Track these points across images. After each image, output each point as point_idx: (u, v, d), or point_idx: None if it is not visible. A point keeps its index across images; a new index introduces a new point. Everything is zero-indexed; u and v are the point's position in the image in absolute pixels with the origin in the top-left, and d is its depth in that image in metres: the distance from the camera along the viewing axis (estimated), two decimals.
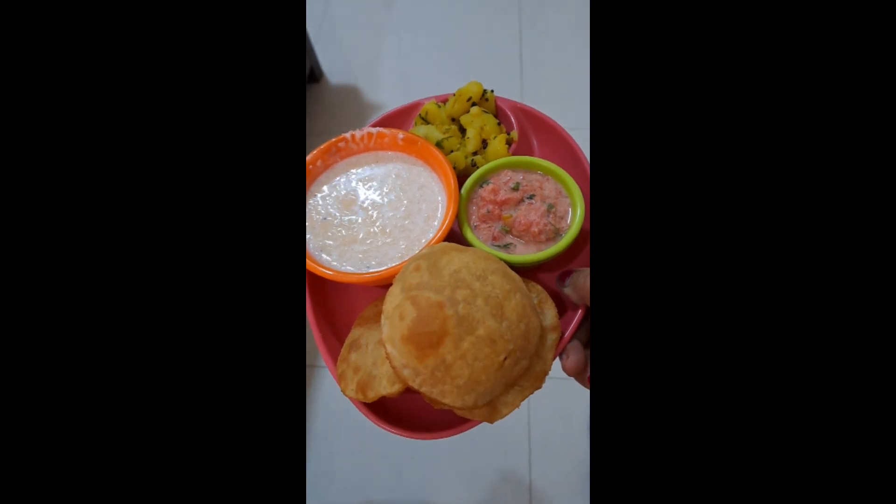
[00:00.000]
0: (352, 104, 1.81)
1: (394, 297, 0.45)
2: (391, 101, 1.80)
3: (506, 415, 0.46)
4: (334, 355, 0.54)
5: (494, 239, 0.55)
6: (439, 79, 1.84)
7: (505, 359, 0.43)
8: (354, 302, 0.59)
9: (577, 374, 0.49)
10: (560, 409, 1.27)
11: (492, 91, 0.66)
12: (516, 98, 0.68)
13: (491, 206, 0.55)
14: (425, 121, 0.65)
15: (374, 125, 0.66)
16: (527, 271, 0.57)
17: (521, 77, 1.80)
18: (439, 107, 0.65)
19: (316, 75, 1.77)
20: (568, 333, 0.51)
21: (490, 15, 1.97)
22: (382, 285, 0.55)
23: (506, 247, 0.55)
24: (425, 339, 0.42)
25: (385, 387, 0.45)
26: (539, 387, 0.48)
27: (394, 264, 0.53)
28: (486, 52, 1.89)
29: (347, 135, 0.60)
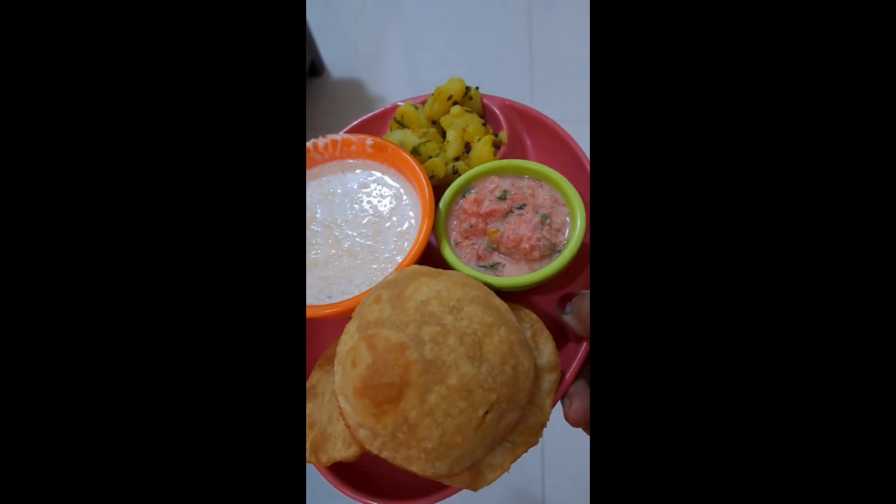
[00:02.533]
0: (355, 98, 1.75)
1: (349, 337, 0.37)
2: (395, 95, 1.71)
3: (493, 480, 0.37)
4: None
5: (479, 258, 0.46)
6: (445, 70, 1.76)
7: (486, 413, 0.34)
8: (319, 334, 0.51)
9: (583, 424, 0.39)
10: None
11: (476, 88, 0.58)
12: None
13: (474, 220, 0.47)
14: (401, 124, 0.57)
15: (348, 132, 0.58)
16: (519, 296, 0.48)
17: (531, 65, 1.71)
18: (417, 108, 0.57)
19: (318, 69, 1.72)
20: (570, 373, 0.41)
21: (498, 3, 1.91)
22: (341, 316, 0.47)
23: (493, 267, 0.46)
24: (382, 392, 0.33)
25: (339, 450, 0.36)
26: (535, 442, 0.38)
27: (360, 292, 0.44)
28: (494, 41, 1.81)
29: (309, 143, 0.52)
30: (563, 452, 1.17)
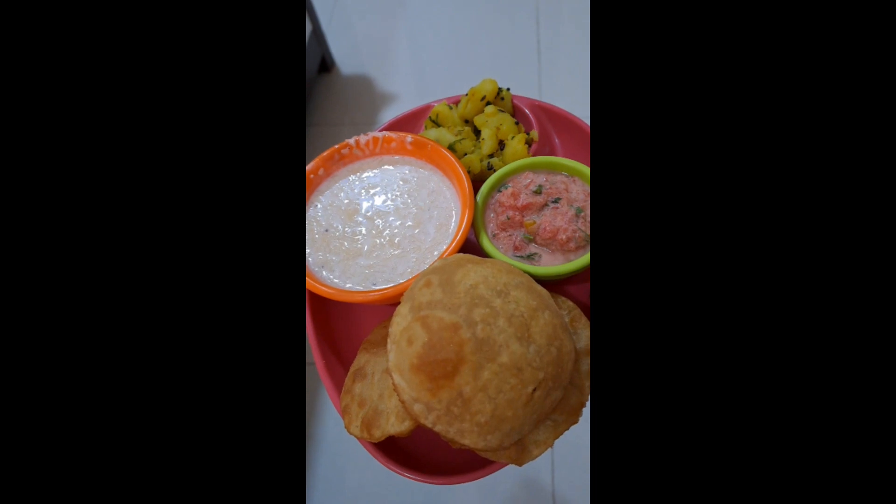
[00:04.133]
0: (363, 94, 1.80)
1: (401, 318, 0.39)
2: (404, 91, 1.78)
3: (537, 455, 0.39)
4: (339, 385, 0.48)
5: (516, 249, 0.48)
6: (453, 67, 1.81)
7: (534, 390, 0.36)
8: (361, 323, 0.53)
9: None
10: (584, 410, 1.15)
11: (508, 89, 0.60)
12: (534, 88, 0.63)
13: (511, 212, 0.49)
14: (436, 123, 0.60)
15: (382, 130, 0.60)
16: (555, 284, 0.50)
17: (539, 65, 1.75)
18: (451, 108, 0.60)
19: (327, 65, 1.78)
20: None
21: (505, 2, 1.95)
22: (392, 304, 0.49)
23: (529, 257, 0.48)
24: (438, 368, 0.35)
25: (393, 424, 0.39)
26: (575, 421, 0.40)
27: (403, 280, 0.47)
28: (501, 38, 1.86)
29: (351, 140, 0.55)
30: (572, 444, 1.19)
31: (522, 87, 0.63)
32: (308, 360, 1.23)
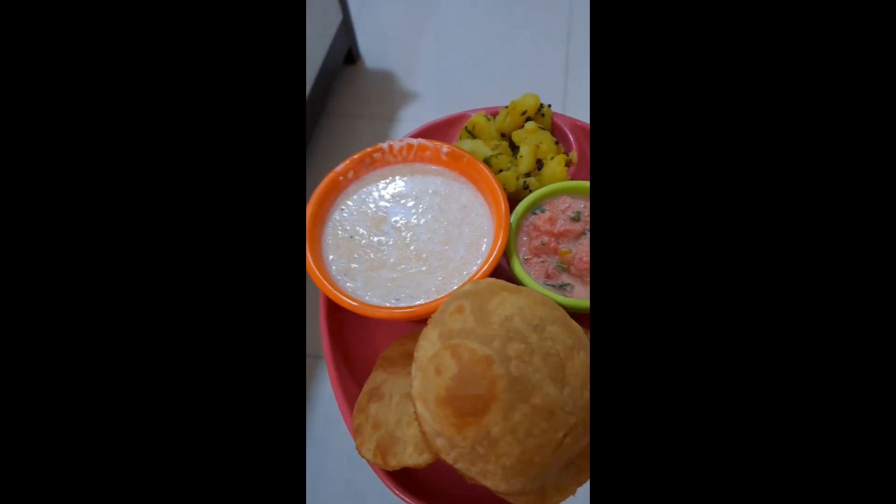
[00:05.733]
0: (386, 89, 1.78)
1: (430, 344, 0.37)
2: (425, 91, 1.75)
3: (558, 503, 0.37)
4: (351, 401, 0.46)
5: (548, 276, 0.46)
6: (477, 74, 1.78)
7: (564, 436, 0.34)
8: (375, 335, 0.51)
9: None
10: None
11: (549, 106, 0.58)
12: (558, 104, 0.60)
13: (546, 238, 0.47)
14: (472, 134, 0.58)
15: (414, 136, 0.58)
16: (584, 319, 0.48)
17: (565, 82, 1.73)
18: (489, 120, 0.58)
19: (353, 56, 1.76)
20: None
21: (538, 10, 1.94)
22: (413, 321, 0.47)
23: (561, 287, 0.46)
24: (467, 404, 0.33)
25: (411, 455, 0.36)
26: None
27: (427, 298, 0.45)
28: (529, 50, 1.83)
29: (384, 145, 0.53)
30: None
31: (547, 99, 0.61)
32: (308, 363, 1.21)
